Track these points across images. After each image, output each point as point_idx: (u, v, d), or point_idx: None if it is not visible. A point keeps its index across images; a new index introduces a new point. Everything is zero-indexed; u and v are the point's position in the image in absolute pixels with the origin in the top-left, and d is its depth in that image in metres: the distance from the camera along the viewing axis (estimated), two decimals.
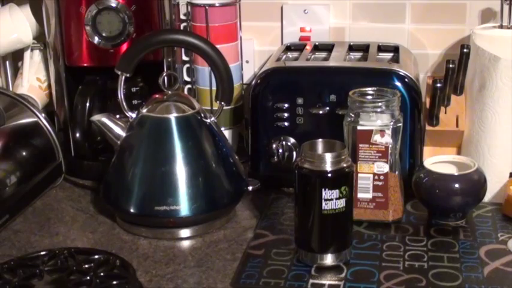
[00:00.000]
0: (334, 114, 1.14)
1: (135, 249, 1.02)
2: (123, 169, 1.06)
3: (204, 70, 1.30)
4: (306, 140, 0.96)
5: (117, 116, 1.12)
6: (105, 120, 1.10)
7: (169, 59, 1.27)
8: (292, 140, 1.17)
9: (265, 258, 0.97)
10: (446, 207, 1.05)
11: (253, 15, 1.39)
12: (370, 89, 1.07)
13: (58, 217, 1.13)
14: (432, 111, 1.16)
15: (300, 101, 1.15)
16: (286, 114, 1.16)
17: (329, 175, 0.91)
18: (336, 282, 0.91)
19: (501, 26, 1.19)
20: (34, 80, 1.37)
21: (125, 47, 1.21)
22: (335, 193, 0.91)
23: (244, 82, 1.40)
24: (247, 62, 1.42)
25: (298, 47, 1.32)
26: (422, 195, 1.07)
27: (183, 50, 1.35)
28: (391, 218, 1.06)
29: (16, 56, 1.44)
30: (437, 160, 1.09)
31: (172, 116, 1.05)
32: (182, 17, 1.37)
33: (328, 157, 0.92)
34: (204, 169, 1.05)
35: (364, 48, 1.29)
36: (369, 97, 1.06)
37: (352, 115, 1.04)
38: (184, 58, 1.37)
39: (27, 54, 1.37)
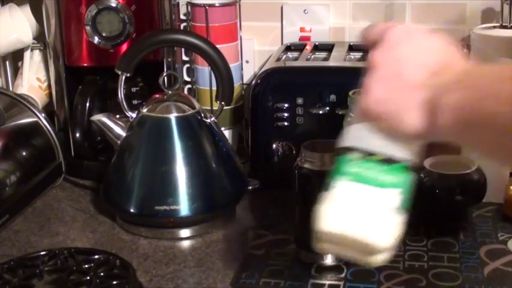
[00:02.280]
0: (334, 114, 1.13)
1: (135, 249, 1.02)
2: (123, 169, 1.06)
3: (204, 70, 1.30)
4: (306, 140, 0.96)
5: (117, 116, 1.12)
6: (105, 120, 1.10)
7: (169, 59, 1.27)
8: (292, 140, 1.16)
9: (265, 258, 0.97)
10: (446, 207, 1.05)
11: (253, 15, 1.39)
12: None
13: (58, 217, 1.13)
14: None
15: (300, 101, 1.15)
16: (286, 114, 1.16)
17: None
18: (336, 282, 0.91)
19: (501, 26, 1.19)
20: (34, 80, 1.37)
21: (125, 47, 1.21)
22: None
23: (244, 82, 1.40)
24: (247, 62, 1.41)
25: (298, 47, 1.32)
26: (422, 195, 1.07)
27: (183, 50, 1.35)
28: None
29: (16, 56, 1.44)
30: (437, 160, 1.09)
31: (172, 116, 1.05)
32: (182, 17, 1.37)
33: (328, 157, 0.91)
34: (204, 169, 1.05)
35: (364, 48, 1.29)
36: None
37: (352, 115, 1.04)
38: (184, 58, 1.37)
39: (27, 54, 1.37)
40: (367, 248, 0.67)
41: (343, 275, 0.92)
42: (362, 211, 0.66)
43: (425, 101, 0.60)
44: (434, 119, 0.59)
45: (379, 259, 0.69)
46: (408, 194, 0.68)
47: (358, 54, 1.29)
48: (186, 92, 1.36)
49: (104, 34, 1.21)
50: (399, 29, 0.66)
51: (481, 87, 0.56)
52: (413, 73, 0.62)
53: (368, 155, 0.67)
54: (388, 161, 0.66)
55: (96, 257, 0.94)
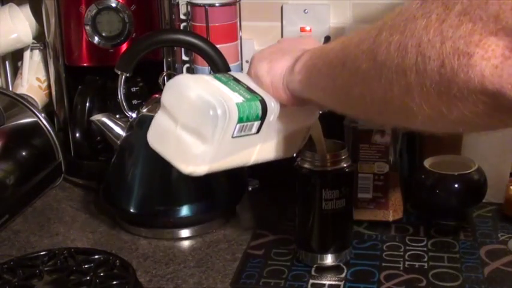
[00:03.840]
0: (334, 114, 1.13)
1: (135, 249, 1.02)
2: (123, 169, 1.06)
3: (204, 70, 1.30)
4: None
5: (117, 116, 1.12)
6: (105, 120, 1.10)
7: (169, 59, 1.27)
8: None
9: (265, 258, 0.97)
10: (446, 207, 1.05)
11: (253, 15, 1.39)
12: None
13: (58, 217, 1.13)
14: None
15: None
16: None
17: (329, 175, 0.91)
18: (336, 282, 0.91)
19: None
20: (34, 80, 1.37)
21: (124, 47, 1.21)
22: (335, 193, 0.91)
23: None
24: (247, 62, 1.41)
25: None
26: (422, 195, 1.07)
27: (183, 50, 1.35)
28: (391, 218, 1.06)
29: (16, 56, 1.44)
30: (437, 160, 1.09)
31: None
32: (182, 17, 1.37)
33: (328, 157, 0.91)
34: None
35: None
36: None
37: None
38: (184, 58, 1.36)
39: (27, 54, 1.37)
40: (195, 118, 0.75)
41: (343, 275, 0.92)
42: (208, 88, 0.77)
43: (293, 57, 0.78)
44: (293, 68, 0.77)
45: (198, 152, 0.77)
46: (248, 112, 0.77)
47: None
48: None
49: (103, 34, 1.21)
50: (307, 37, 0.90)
51: (323, 47, 0.77)
52: (287, 60, 0.79)
53: (239, 81, 0.80)
54: (249, 89, 0.79)
55: (96, 257, 0.94)
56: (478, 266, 0.93)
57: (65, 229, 1.09)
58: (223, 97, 0.76)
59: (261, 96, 0.78)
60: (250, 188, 1.11)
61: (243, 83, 0.80)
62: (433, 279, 0.91)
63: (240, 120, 0.76)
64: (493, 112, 0.51)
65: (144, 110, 1.07)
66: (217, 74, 0.81)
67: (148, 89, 1.25)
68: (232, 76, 0.81)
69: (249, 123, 0.77)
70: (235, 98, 0.76)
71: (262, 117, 0.78)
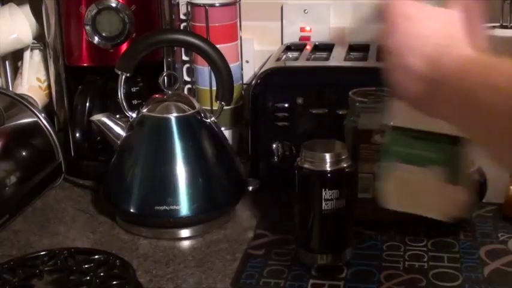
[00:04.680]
0: (334, 114, 1.13)
1: (135, 249, 1.02)
2: (123, 169, 1.06)
3: (204, 70, 1.30)
4: (306, 140, 0.96)
5: (117, 116, 1.12)
6: (105, 120, 1.10)
7: (169, 59, 1.27)
8: (292, 140, 1.16)
9: (265, 258, 0.97)
10: None
11: (253, 15, 1.39)
12: (370, 88, 1.07)
13: (58, 217, 1.13)
14: None
15: (300, 101, 1.15)
16: (286, 114, 1.16)
17: (329, 175, 0.91)
18: (336, 282, 0.91)
19: (501, 26, 1.19)
20: (34, 80, 1.37)
21: (124, 47, 1.21)
22: (335, 193, 0.91)
23: (244, 82, 1.40)
24: (247, 62, 1.41)
25: (298, 47, 1.32)
26: None
27: (183, 50, 1.35)
28: (392, 218, 1.05)
29: (16, 56, 1.44)
30: None
31: (172, 116, 1.05)
32: (182, 17, 1.37)
33: (328, 157, 0.91)
34: (204, 169, 1.05)
35: (364, 48, 1.29)
36: (370, 97, 1.06)
37: (353, 115, 1.04)
38: (184, 58, 1.37)
39: (27, 54, 1.37)
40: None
41: (343, 275, 0.92)
42: (415, 192, 0.74)
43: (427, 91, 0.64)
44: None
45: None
46: (452, 166, 0.72)
47: (358, 54, 1.29)
48: (186, 92, 1.36)
49: (103, 34, 1.21)
50: (406, 5, 0.68)
51: (465, 89, 0.59)
52: (415, 63, 0.64)
53: (412, 133, 0.73)
54: (430, 137, 0.72)
55: (96, 257, 0.94)
56: (478, 266, 0.93)
57: (65, 229, 1.09)
58: (432, 194, 0.74)
59: (445, 135, 0.71)
60: (250, 188, 1.11)
61: (420, 133, 0.73)
62: (433, 279, 0.91)
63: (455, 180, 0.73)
64: None
65: (144, 110, 1.07)
66: (397, 148, 0.75)
67: (148, 89, 1.25)
68: (406, 129, 0.73)
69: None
70: (437, 179, 0.73)
71: (460, 144, 0.72)
